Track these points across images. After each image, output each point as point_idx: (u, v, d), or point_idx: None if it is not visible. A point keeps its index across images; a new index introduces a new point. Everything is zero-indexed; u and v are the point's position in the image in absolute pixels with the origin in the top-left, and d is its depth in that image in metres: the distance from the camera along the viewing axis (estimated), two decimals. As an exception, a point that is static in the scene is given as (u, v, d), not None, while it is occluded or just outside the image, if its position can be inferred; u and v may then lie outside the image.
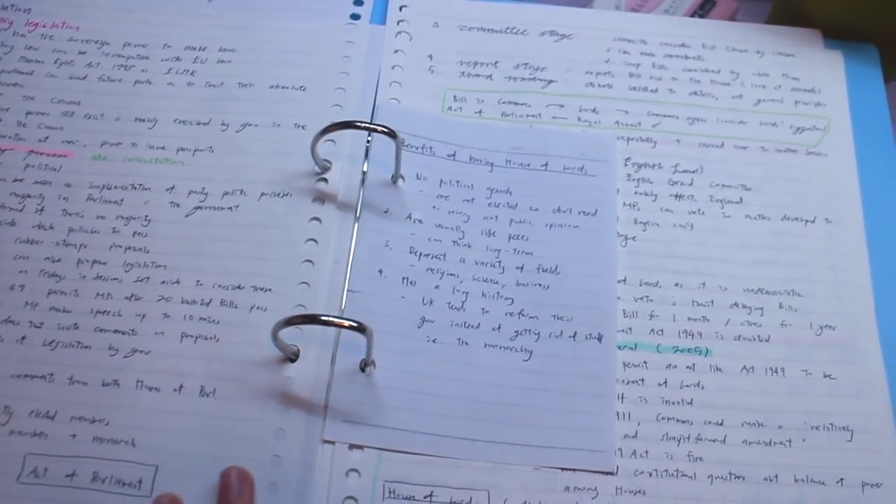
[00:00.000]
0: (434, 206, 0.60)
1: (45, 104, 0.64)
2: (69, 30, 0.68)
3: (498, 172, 0.62)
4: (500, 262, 0.58)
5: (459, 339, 0.55)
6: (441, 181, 0.61)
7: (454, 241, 0.59)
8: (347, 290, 0.57)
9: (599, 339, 0.56)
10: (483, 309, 0.57)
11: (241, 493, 0.50)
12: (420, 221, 0.59)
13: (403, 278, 0.57)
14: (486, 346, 0.55)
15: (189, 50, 0.67)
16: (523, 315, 0.56)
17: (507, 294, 0.57)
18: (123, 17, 0.68)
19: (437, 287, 0.57)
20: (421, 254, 0.58)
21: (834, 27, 0.69)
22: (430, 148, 0.62)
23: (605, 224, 0.60)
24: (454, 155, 0.62)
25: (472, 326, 0.56)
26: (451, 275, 0.58)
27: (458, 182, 0.61)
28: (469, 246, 0.59)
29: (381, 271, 0.57)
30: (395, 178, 0.60)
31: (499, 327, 0.56)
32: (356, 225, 0.59)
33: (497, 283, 0.58)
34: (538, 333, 0.56)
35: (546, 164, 0.62)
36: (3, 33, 0.68)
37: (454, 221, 0.60)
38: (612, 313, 0.57)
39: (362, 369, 0.54)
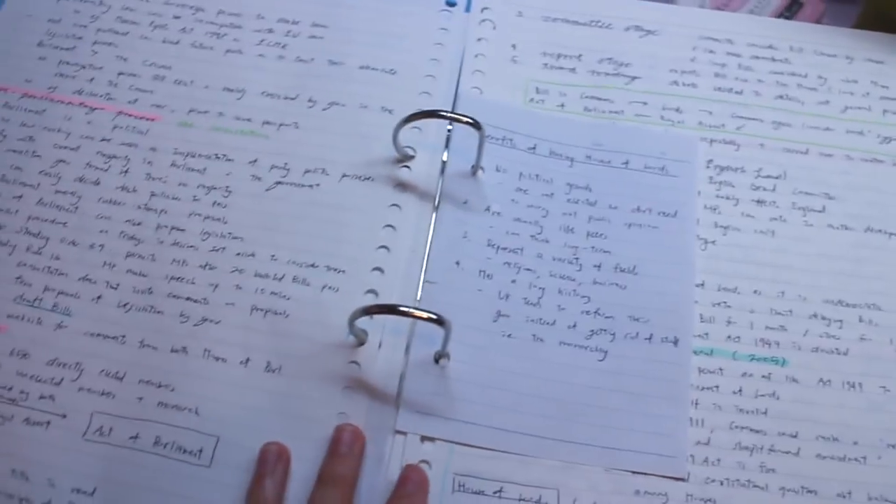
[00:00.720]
0: (513, 200, 0.55)
1: (137, 66, 0.60)
2: (166, -8, 0.63)
3: (578, 168, 0.56)
4: (577, 259, 0.53)
5: (534, 336, 0.50)
6: (521, 174, 0.55)
7: (532, 236, 0.53)
8: (424, 281, 0.52)
9: (675, 342, 0.50)
10: (559, 306, 0.51)
11: (275, 469, 0.46)
12: (499, 214, 0.54)
13: (480, 271, 0.52)
14: (560, 343, 0.50)
15: (282, 22, 0.62)
16: (599, 314, 0.51)
17: (583, 292, 0.52)
18: (220, -16, 0.63)
19: (513, 281, 0.52)
20: (499, 247, 0.53)
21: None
22: (511, 140, 0.56)
23: (685, 226, 0.54)
24: (534, 148, 0.56)
25: (548, 323, 0.51)
26: (529, 270, 0.52)
27: (537, 176, 0.55)
28: (547, 241, 0.53)
29: (458, 263, 0.52)
30: (476, 169, 0.55)
31: (574, 325, 0.51)
32: (435, 214, 0.54)
33: (574, 280, 0.52)
34: (613, 334, 0.50)
35: (627, 162, 0.56)
36: (103, -9, 0.63)
37: (533, 216, 0.54)
38: (689, 317, 0.51)
39: (436, 361, 0.49)
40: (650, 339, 0.50)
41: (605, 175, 0.56)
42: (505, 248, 0.53)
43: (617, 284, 0.52)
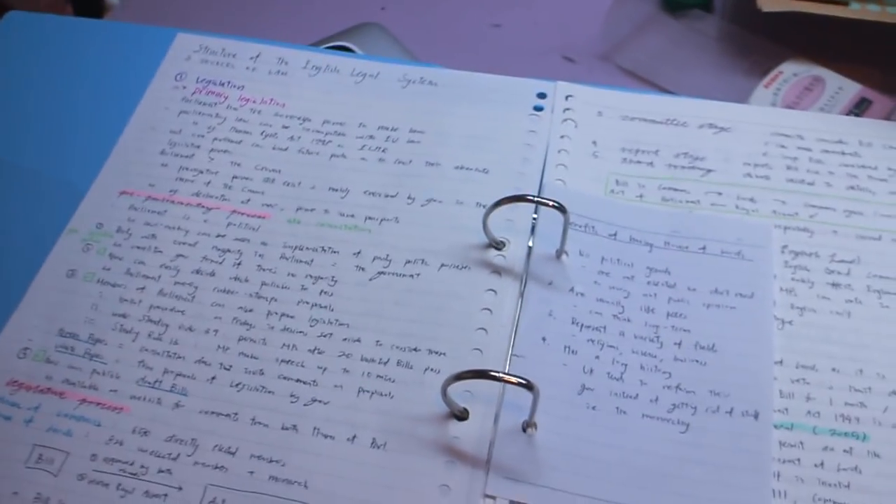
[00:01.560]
0: (595, 281, 0.58)
1: (249, 170, 0.65)
2: (276, 106, 0.69)
3: (657, 253, 0.59)
4: (658, 336, 0.55)
5: (618, 408, 0.53)
6: (602, 258, 0.59)
7: (614, 315, 0.56)
8: (512, 355, 0.55)
9: (756, 416, 0.52)
10: (641, 381, 0.53)
11: None
12: (582, 294, 0.57)
13: (565, 347, 0.55)
14: (643, 416, 0.52)
15: (382, 129, 0.67)
16: (680, 389, 0.53)
17: (664, 368, 0.54)
18: (325, 98, 0.69)
19: (597, 357, 0.54)
20: (582, 325, 0.56)
21: None
22: (593, 227, 0.60)
23: (762, 306, 0.56)
24: (615, 235, 0.60)
25: (631, 397, 0.53)
26: (611, 346, 0.55)
27: (618, 260, 0.59)
28: (629, 320, 0.56)
29: (544, 339, 0.55)
30: (560, 252, 0.58)
31: (656, 399, 0.53)
32: (522, 294, 0.57)
33: (655, 357, 0.54)
34: (695, 407, 0.52)
35: (704, 248, 0.59)
36: (219, 106, 0.69)
37: (615, 297, 0.57)
38: (768, 392, 0.53)
39: (524, 430, 0.52)
40: (731, 412, 0.52)
41: (684, 259, 0.58)
42: (588, 326, 0.56)
43: (697, 361, 0.54)
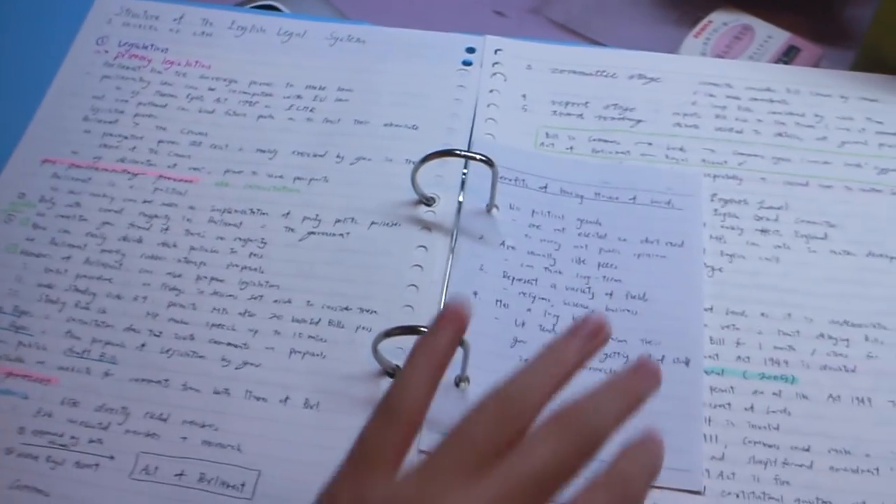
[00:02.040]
0: (526, 235, 0.57)
1: (175, 134, 0.64)
2: (201, 68, 0.67)
3: (588, 204, 0.59)
4: (589, 287, 0.55)
5: None
6: (533, 211, 0.58)
7: (545, 268, 0.56)
8: None
9: (687, 363, 0.52)
10: None
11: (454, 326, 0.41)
12: (513, 248, 0.57)
13: (497, 300, 0.55)
14: None
15: (310, 89, 0.66)
16: (612, 338, 0.52)
17: None
18: (251, 59, 0.68)
19: (528, 310, 0.54)
20: (514, 278, 0.56)
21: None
22: (523, 180, 0.60)
23: (692, 254, 0.57)
24: (546, 187, 0.60)
25: None
26: (543, 299, 0.55)
27: (549, 212, 0.58)
28: (560, 272, 0.56)
29: (475, 293, 0.55)
30: (490, 206, 0.58)
31: None
32: (453, 250, 0.57)
33: (587, 307, 0.54)
34: (627, 356, 0.53)
35: (634, 198, 0.59)
36: (143, 70, 0.67)
37: (545, 249, 0.57)
38: (699, 338, 0.53)
39: (457, 385, 0.52)
40: (662, 360, 0.52)
41: (614, 210, 0.58)
42: (520, 280, 0.55)
43: (628, 310, 0.54)
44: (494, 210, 0.58)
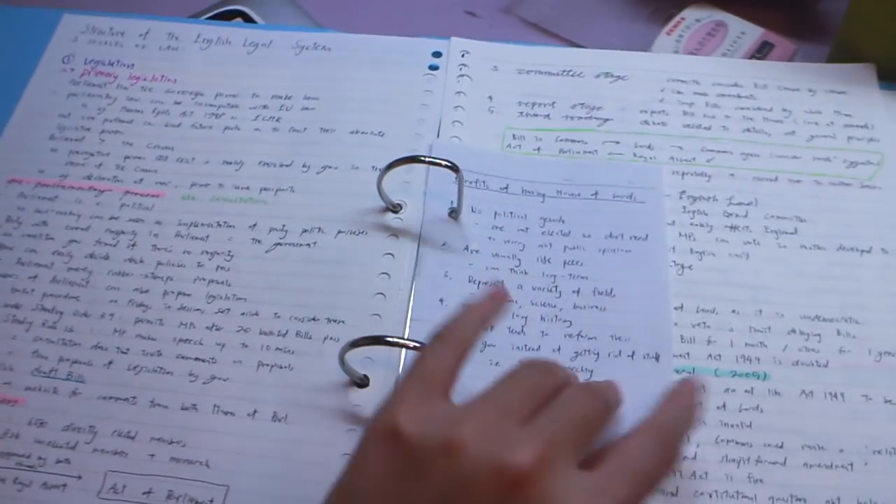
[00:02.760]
0: (490, 237, 0.57)
1: (141, 149, 0.63)
2: (167, 82, 0.67)
3: (550, 203, 0.58)
4: (556, 286, 0.55)
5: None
6: (495, 213, 0.58)
7: (511, 269, 0.55)
8: (411, 319, 0.54)
9: (657, 358, 0.52)
10: (542, 332, 0.53)
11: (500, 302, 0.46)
12: (477, 252, 0.56)
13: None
14: None
15: (276, 98, 0.65)
16: (582, 336, 0.53)
17: (564, 317, 0.53)
18: (217, 71, 0.67)
19: None
20: (479, 282, 0.55)
21: (892, 68, 0.64)
22: (484, 182, 0.59)
23: (656, 248, 0.56)
24: (507, 188, 0.59)
25: (533, 349, 0.52)
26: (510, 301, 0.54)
27: (511, 213, 0.58)
28: (525, 273, 0.55)
29: (441, 300, 0.54)
30: (457, 212, 0.57)
31: (559, 349, 0.52)
32: (417, 258, 0.56)
33: (555, 306, 0.54)
34: (597, 353, 0.52)
35: (596, 194, 0.58)
36: (109, 86, 0.67)
37: (510, 250, 0.56)
38: (667, 333, 0.53)
39: None
40: (632, 356, 0.52)
41: (577, 206, 0.58)
42: (485, 283, 0.55)
43: (596, 307, 0.54)
44: (458, 215, 0.57)
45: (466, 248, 0.56)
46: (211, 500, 0.49)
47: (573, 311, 0.54)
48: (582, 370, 0.51)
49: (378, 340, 0.49)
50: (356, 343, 0.49)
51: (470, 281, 0.55)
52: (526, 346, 0.52)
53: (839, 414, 0.50)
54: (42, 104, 0.66)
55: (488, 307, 0.45)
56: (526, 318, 0.53)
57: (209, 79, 0.67)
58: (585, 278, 0.55)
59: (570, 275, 0.55)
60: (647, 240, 0.56)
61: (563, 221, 0.57)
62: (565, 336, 0.53)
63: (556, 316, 0.53)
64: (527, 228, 0.57)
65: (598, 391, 0.43)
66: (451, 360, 0.42)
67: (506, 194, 0.58)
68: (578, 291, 0.54)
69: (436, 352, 0.42)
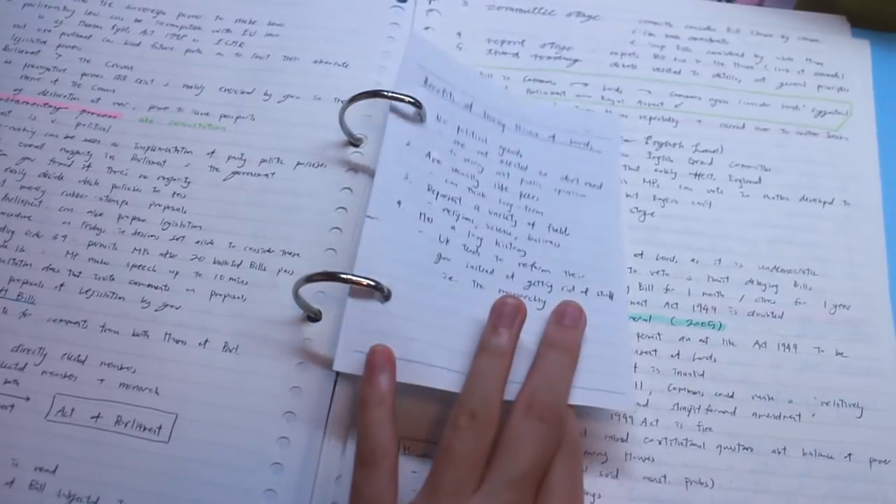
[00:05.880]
0: (451, 151, 0.54)
1: (99, 67, 0.60)
2: (128, -2, 0.64)
3: (509, 134, 0.56)
4: (511, 215, 0.53)
5: (474, 282, 0.49)
6: (458, 128, 0.55)
7: (469, 188, 0.53)
8: (366, 216, 0.49)
9: (611, 296, 0.50)
10: (497, 256, 0.51)
11: (384, 369, 0.45)
12: (438, 162, 0.53)
13: (421, 213, 0.51)
14: (500, 291, 0.49)
15: (239, 23, 0.62)
16: (535, 267, 0.51)
17: (519, 246, 0.51)
18: (181, -11, 0.64)
19: (453, 228, 0.51)
20: (438, 193, 0.52)
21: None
22: (450, 94, 0.56)
23: (610, 196, 0.55)
24: (471, 106, 0.56)
25: (487, 271, 0.50)
26: (467, 219, 0.52)
27: (473, 133, 0.55)
28: (483, 195, 0.53)
29: (399, 202, 0.51)
30: (419, 116, 0.54)
31: (512, 276, 0.50)
32: (379, 155, 0.52)
33: (510, 234, 0.52)
34: (551, 286, 0.50)
35: (553, 136, 0.57)
36: (67, -3, 0.63)
37: (469, 169, 0.54)
38: (621, 277, 0.51)
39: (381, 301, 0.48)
40: (586, 292, 0.50)
41: (534, 145, 0.56)
42: (444, 196, 0.52)
43: (550, 242, 0.52)
44: (423, 120, 0.54)
45: (428, 154, 0.53)
46: (159, 427, 0.48)
47: (527, 242, 0.52)
48: (535, 299, 0.49)
49: (331, 277, 0.47)
50: (311, 278, 0.47)
51: (429, 189, 0.52)
52: (480, 266, 0.50)
53: (791, 365, 0.50)
54: (-5, 13, 0.63)
55: (385, 386, 0.44)
56: (481, 239, 0.51)
57: (172, -3, 0.63)
58: (540, 213, 0.53)
59: (526, 207, 0.53)
60: (602, 188, 0.55)
61: (520, 155, 0.55)
62: (519, 265, 0.51)
63: (511, 244, 0.51)
64: (486, 153, 0.55)
65: (551, 415, 0.43)
66: (385, 480, 0.42)
67: (469, 112, 0.56)
68: (533, 224, 0.53)
69: (366, 477, 0.42)
